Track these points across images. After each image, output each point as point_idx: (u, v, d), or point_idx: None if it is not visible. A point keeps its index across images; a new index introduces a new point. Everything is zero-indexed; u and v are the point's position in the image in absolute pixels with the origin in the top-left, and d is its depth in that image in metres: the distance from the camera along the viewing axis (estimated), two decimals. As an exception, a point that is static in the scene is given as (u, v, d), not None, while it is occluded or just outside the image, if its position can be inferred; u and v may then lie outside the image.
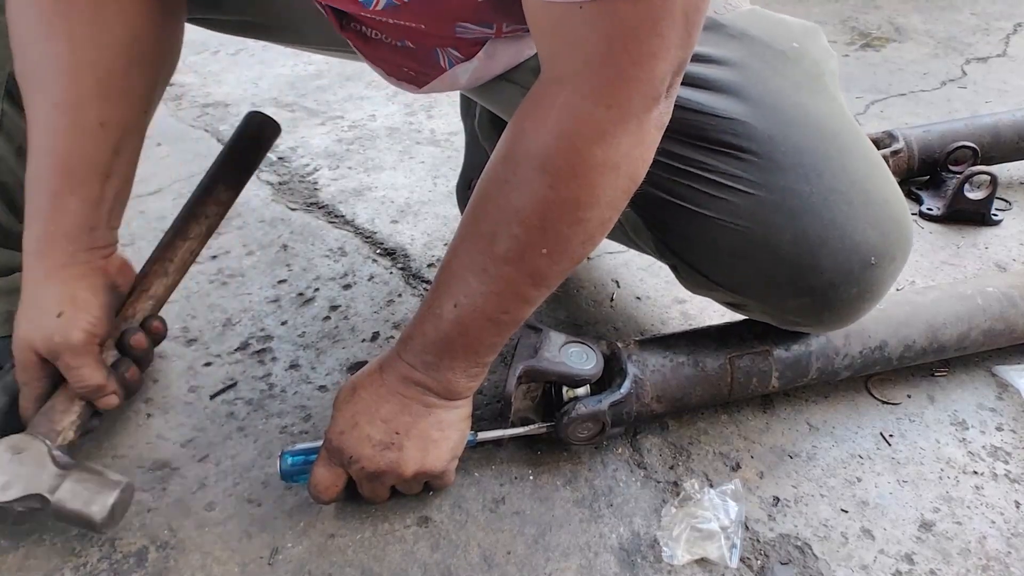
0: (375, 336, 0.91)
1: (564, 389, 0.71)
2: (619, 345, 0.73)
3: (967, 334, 0.78)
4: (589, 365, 0.69)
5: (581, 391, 0.71)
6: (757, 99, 0.61)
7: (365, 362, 0.86)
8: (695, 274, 0.68)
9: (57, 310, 0.63)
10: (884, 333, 0.76)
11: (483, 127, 1.02)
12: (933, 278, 0.99)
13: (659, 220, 0.67)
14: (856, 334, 0.75)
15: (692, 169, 0.62)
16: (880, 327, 0.76)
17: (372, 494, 0.66)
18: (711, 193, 0.61)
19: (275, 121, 0.88)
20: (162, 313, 0.78)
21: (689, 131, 0.61)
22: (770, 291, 0.63)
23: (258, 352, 0.89)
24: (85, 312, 0.65)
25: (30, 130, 0.62)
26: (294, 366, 0.86)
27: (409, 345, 0.63)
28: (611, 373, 0.72)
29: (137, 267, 0.99)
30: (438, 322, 0.60)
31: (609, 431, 0.70)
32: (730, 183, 0.60)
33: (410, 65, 0.70)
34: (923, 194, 1.15)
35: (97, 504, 0.60)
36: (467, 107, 1.10)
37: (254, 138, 0.86)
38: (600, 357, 0.70)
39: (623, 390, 0.69)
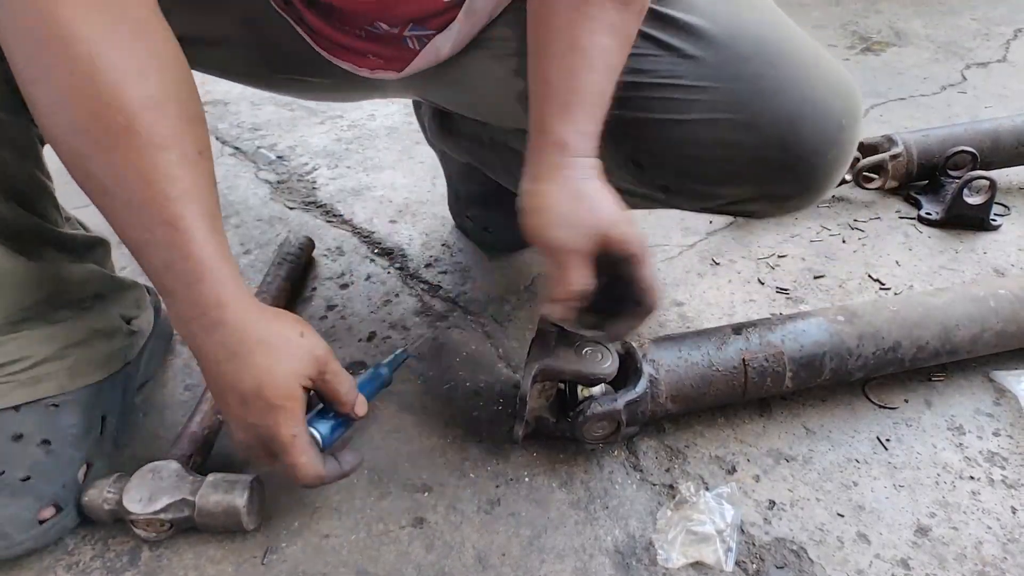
0: (371, 336, 0.91)
1: (579, 388, 0.71)
2: (634, 345, 0.73)
3: (979, 336, 0.78)
4: (605, 364, 0.69)
5: (596, 390, 0.70)
6: (710, 11, 0.67)
7: (362, 363, 0.86)
8: (689, 184, 0.71)
9: (298, 332, 0.59)
10: (897, 334, 0.76)
11: (432, 129, 1.02)
12: (931, 282, 0.99)
13: (641, 146, 0.70)
14: (870, 336, 0.75)
15: (664, 80, 0.66)
16: (894, 328, 0.76)
17: None
18: (687, 98, 0.66)
19: (310, 240, 1.05)
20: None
21: (656, 47, 0.67)
22: (761, 171, 0.68)
23: (254, 351, 0.88)
24: (307, 326, 0.61)
25: (125, 170, 0.54)
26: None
27: (587, 141, 0.61)
28: (626, 372, 0.72)
29: (135, 267, 0.98)
30: (604, 100, 0.62)
31: (624, 430, 0.70)
32: (702, 83, 0.65)
33: (380, 52, 0.71)
34: (922, 198, 1.15)
35: (237, 492, 0.64)
36: (417, 110, 1.10)
37: (296, 256, 1.01)
38: (615, 357, 0.70)
39: (638, 389, 0.69)
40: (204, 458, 0.72)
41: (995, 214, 1.10)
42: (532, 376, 0.67)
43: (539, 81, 0.63)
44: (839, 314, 0.77)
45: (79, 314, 0.72)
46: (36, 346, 0.68)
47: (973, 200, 1.08)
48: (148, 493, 0.64)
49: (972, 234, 1.08)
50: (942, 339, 0.77)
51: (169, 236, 0.53)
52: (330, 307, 0.96)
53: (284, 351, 0.57)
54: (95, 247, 0.77)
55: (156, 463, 0.67)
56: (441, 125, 1.00)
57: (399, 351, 0.78)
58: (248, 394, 0.56)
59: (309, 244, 1.04)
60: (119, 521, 0.65)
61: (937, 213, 1.11)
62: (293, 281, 0.97)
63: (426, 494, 0.70)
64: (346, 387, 0.63)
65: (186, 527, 0.65)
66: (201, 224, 0.54)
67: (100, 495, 0.65)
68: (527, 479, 0.72)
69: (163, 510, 0.64)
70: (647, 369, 0.71)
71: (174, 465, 0.67)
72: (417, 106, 1.10)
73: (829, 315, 0.77)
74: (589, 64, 0.61)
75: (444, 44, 0.71)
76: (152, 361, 0.84)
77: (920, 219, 1.12)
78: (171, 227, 0.53)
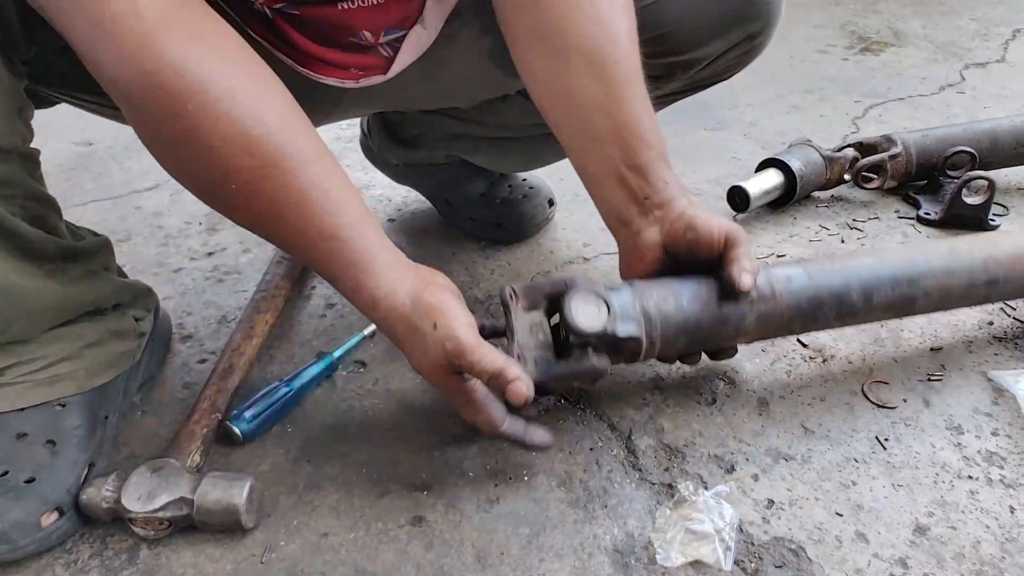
0: (372, 335, 0.91)
1: (571, 337, 0.68)
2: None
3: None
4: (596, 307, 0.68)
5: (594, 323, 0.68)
6: None
7: (362, 362, 0.86)
8: (672, 57, 0.83)
9: (431, 324, 0.62)
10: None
11: (387, 146, 1.07)
12: (930, 282, 0.99)
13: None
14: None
15: None
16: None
17: None
18: None
19: None
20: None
21: None
22: (730, 21, 0.83)
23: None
24: (449, 312, 0.63)
25: (285, 194, 0.58)
26: (289, 363, 0.86)
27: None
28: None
29: (134, 264, 0.99)
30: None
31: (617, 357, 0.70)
32: None
33: (361, 62, 0.73)
34: (921, 198, 1.15)
35: (236, 490, 0.65)
36: (365, 141, 1.16)
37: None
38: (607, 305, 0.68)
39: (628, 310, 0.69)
40: (203, 457, 0.71)
41: (994, 214, 1.10)
42: (510, 292, 0.70)
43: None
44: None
45: (97, 317, 0.73)
46: (54, 345, 0.68)
47: (972, 200, 1.08)
48: (147, 491, 0.64)
49: (971, 234, 1.08)
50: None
51: (330, 247, 0.61)
52: (329, 305, 0.96)
53: (420, 347, 0.64)
54: (102, 249, 0.77)
55: (155, 461, 0.67)
56: (394, 138, 1.04)
57: (352, 338, 0.88)
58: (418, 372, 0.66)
59: None
60: (118, 520, 0.65)
61: (936, 213, 1.11)
62: (292, 279, 0.97)
63: (425, 492, 0.70)
64: (482, 368, 0.62)
65: (185, 525, 0.65)
66: (354, 230, 0.61)
67: (99, 494, 0.65)
68: (526, 478, 0.72)
69: (162, 508, 0.63)
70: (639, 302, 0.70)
71: (173, 463, 0.67)
72: (364, 139, 1.14)
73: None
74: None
75: (422, 34, 0.74)
76: (152, 361, 0.83)
77: (919, 219, 1.12)
78: (332, 240, 0.60)
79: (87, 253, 0.72)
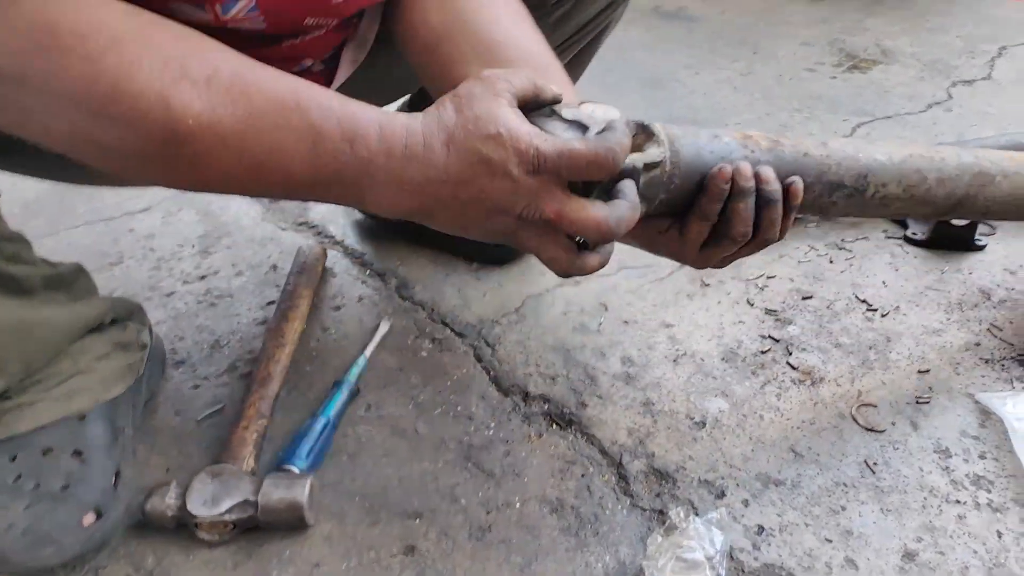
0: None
1: None
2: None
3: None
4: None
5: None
6: None
7: (357, 390, 0.87)
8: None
9: (490, 126, 0.50)
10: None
11: None
12: (918, 303, 1.00)
13: None
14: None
15: None
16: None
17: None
18: None
19: (324, 250, 1.08)
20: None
21: None
22: None
23: (246, 375, 0.88)
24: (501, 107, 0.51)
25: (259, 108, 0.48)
26: (283, 389, 0.86)
27: None
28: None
29: (126, 287, 0.99)
30: None
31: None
32: None
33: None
34: (908, 219, 1.16)
35: (298, 489, 0.67)
36: None
37: (313, 265, 1.04)
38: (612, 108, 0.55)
39: (657, 154, 0.55)
40: (256, 461, 0.74)
41: (980, 234, 1.11)
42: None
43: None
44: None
45: (100, 332, 0.74)
46: (65, 361, 0.69)
47: (958, 221, 1.09)
48: (211, 496, 0.67)
49: (958, 254, 1.09)
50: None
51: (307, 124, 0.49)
52: (323, 329, 0.97)
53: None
54: (79, 272, 0.77)
55: (212, 467, 0.70)
56: None
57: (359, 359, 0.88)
58: (496, 169, 0.49)
59: (323, 254, 1.06)
60: (182, 527, 0.68)
61: (923, 233, 1.12)
62: (313, 287, 1.00)
63: (417, 521, 0.71)
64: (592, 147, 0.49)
65: (249, 527, 0.68)
66: (323, 99, 0.50)
67: (162, 502, 0.67)
68: (518, 505, 0.72)
69: (228, 511, 0.66)
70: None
71: (231, 468, 0.70)
72: None
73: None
74: None
75: (356, 49, 0.75)
76: (153, 377, 0.84)
77: (906, 239, 1.13)
78: (308, 124, 0.49)
79: (70, 277, 0.73)
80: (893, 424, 0.81)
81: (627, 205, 0.51)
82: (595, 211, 0.50)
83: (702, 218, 0.58)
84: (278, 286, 1.04)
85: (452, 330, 0.96)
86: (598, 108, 0.53)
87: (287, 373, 0.86)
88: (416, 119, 0.51)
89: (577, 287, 1.03)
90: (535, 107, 0.53)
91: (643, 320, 0.97)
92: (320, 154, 0.49)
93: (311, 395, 0.86)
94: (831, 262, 1.09)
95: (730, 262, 0.64)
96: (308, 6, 0.63)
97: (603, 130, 0.50)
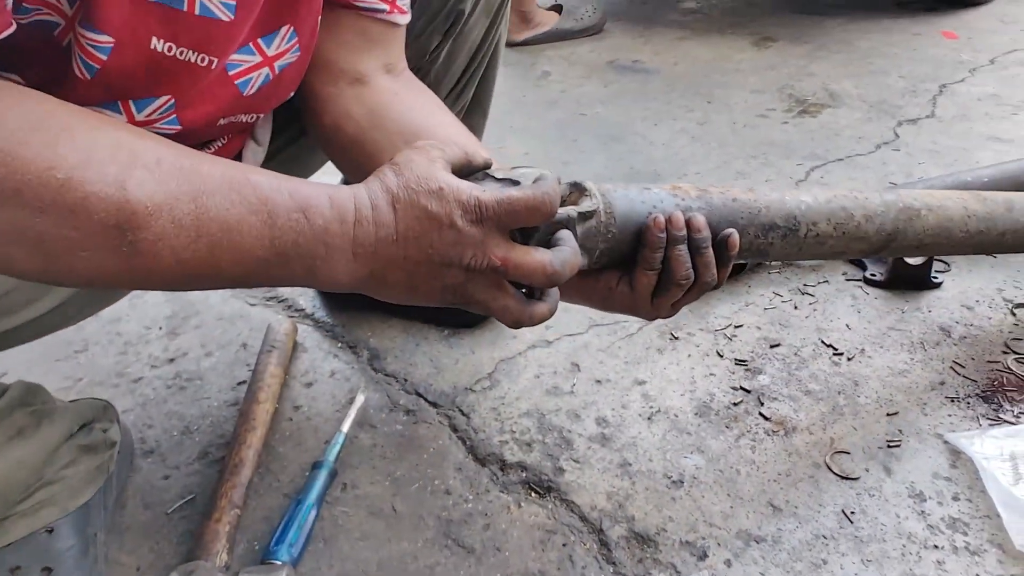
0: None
1: None
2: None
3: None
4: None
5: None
6: None
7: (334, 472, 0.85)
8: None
9: (432, 191, 0.52)
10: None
11: None
12: (882, 344, 1.02)
13: None
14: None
15: None
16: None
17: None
18: None
19: (294, 325, 1.08)
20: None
21: None
22: None
23: (218, 460, 0.87)
24: (438, 168, 0.54)
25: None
26: (256, 474, 0.85)
27: None
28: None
29: (92, 375, 0.98)
30: None
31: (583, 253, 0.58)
32: None
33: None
34: (867, 261, 1.20)
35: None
36: None
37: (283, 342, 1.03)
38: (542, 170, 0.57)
39: (591, 205, 0.58)
40: (230, 555, 0.73)
41: (936, 271, 1.15)
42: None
43: None
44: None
45: (67, 440, 0.72)
46: (30, 473, 0.67)
47: (913, 260, 1.12)
48: None
49: (916, 293, 1.12)
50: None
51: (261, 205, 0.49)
52: (295, 407, 0.96)
53: (433, 223, 0.51)
54: (27, 387, 0.72)
55: (185, 566, 0.69)
56: None
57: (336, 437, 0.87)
58: (442, 226, 0.50)
59: (293, 330, 1.06)
60: None
61: (881, 274, 1.15)
62: (284, 366, 0.99)
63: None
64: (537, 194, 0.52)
65: None
66: (270, 175, 0.51)
67: None
68: (500, 581, 0.71)
69: None
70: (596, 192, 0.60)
71: (204, 565, 0.69)
72: None
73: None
74: None
75: (257, 149, 0.77)
76: (122, 473, 0.82)
77: (866, 280, 1.16)
78: (262, 202, 0.49)
79: (26, 396, 0.71)
80: (867, 470, 0.82)
81: (569, 249, 0.54)
82: (539, 255, 0.52)
83: (647, 268, 0.61)
84: (249, 365, 1.03)
85: (426, 400, 0.96)
86: (528, 169, 0.56)
87: (260, 457, 0.85)
88: (360, 187, 0.53)
89: (548, 347, 1.04)
90: (468, 174, 0.56)
91: (616, 378, 0.98)
92: (276, 227, 0.49)
93: (285, 478, 0.84)
94: (796, 308, 1.11)
95: (679, 309, 0.66)
96: (222, 103, 0.64)
97: (536, 180, 0.53)
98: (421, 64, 0.85)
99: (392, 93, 0.73)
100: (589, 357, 1.02)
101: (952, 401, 0.91)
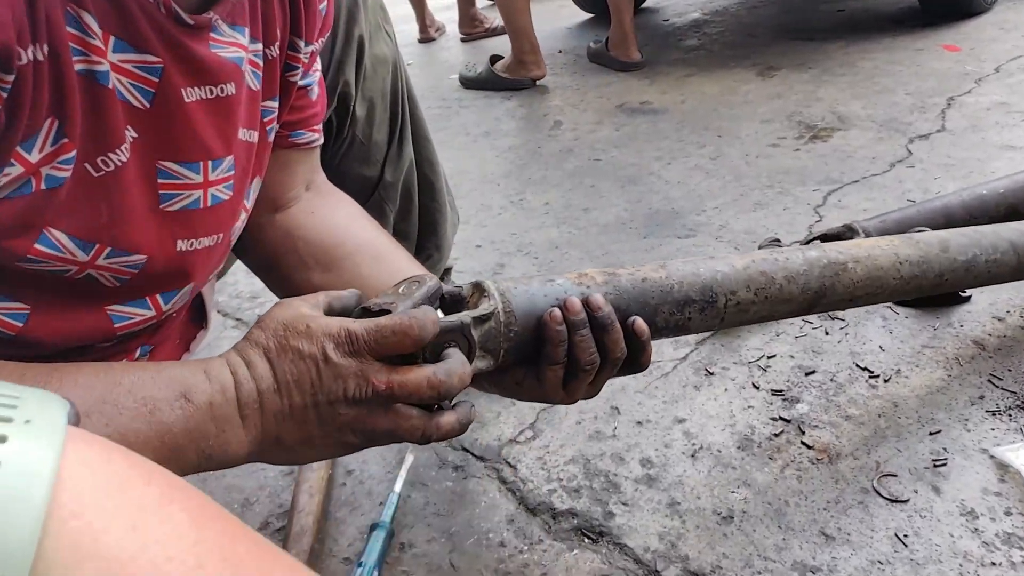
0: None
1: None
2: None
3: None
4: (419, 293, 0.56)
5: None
6: None
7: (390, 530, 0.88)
8: None
9: (299, 335, 0.53)
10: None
11: None
12: (917, 363, 1.03)
13: None
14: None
15: None
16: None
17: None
18: None
19: None
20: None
21: None
22: None
23: (280, 530, 0.90)
24: (306, 313, 0.55)
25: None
26: (316, 540, 0.88)
27: None
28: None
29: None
30: None
31: (477, 356, 0.58)
32: None
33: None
34: (892, 280, 1.21)
35: None
36: None
37: None
38: (430, 279, 0.58)
39: (488, 307, 0.57)
40: None
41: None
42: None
43: None
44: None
45: None
46: None
47: (939, 277, 1.14)
48: None
49: (946, 308, 1.13)
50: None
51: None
52: (348, 471, 0.99)
53: (309, 373, 0.51)
54: None
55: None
56: None
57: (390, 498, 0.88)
58: (326, 385, 0.50)
59: None
60: None
61: (909, 293, 1.17)
62: None
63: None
64: (394, 323, 0.51)
65: None
66: (136, 371, 0.50)
67: None
68: (563, 630, 0.73)
69: None
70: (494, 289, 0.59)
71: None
72: None
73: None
74: None
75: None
76: None
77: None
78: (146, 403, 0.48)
79: None
80: (916, 492, 0.83)
81: (456, 359, 0.53)
82: (421, 370, 0.51)
83: (551, 363, 0.59)
84: (299, 434, 1.07)
85: (473, 455, 0.98)
86: (411, 285, 0.56)
87: (319, 523, 0.88)
88: (231, 351, 0.53)
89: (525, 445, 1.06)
90: (341, 310, 0.56)
91: (656, 418, 1.00)
92: (162, 424, 0.47)
93: (344, 542, 0.87)
94: (827, 333, 1.13)
95: (598, 389, 0.64)
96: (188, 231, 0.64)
97: (414, 305, 0.53)
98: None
99: (307, 213, 0.75)
100: (627, 399, 1.04)
101: (994, 415, 0.92)
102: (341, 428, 0.52)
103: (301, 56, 0.66)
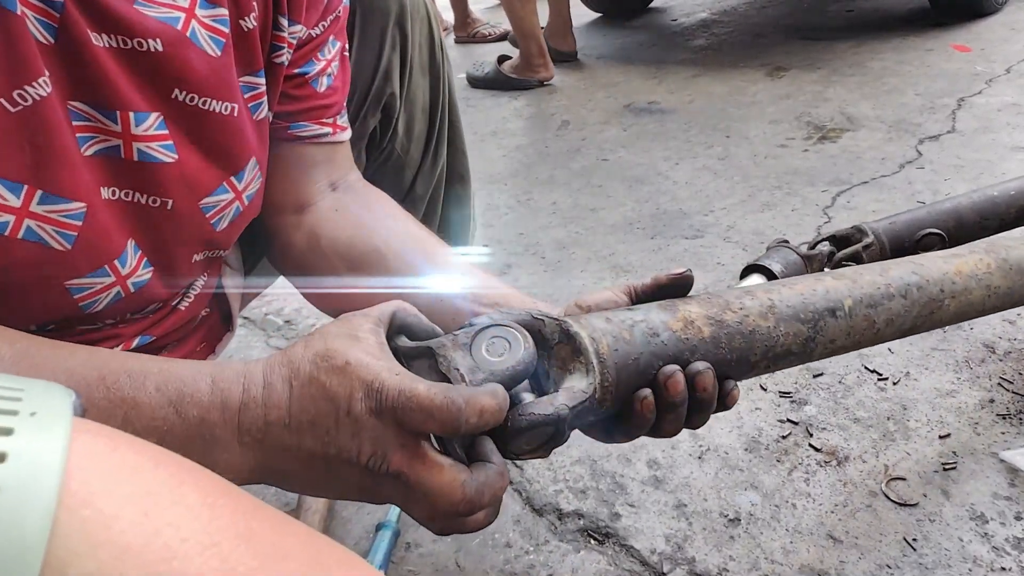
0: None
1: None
2: (566, 320, 0.50)
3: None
4: (509, 355, 0.46)
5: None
6: None
7: (419, 541, 0.88)
8: None
9: (334, 369, 0.46)
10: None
11: None
12: (926, 366, 1.02)
13: None
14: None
15: None
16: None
17: None
18: None
19: None
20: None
21: None
22: None
23: None
24: (352, 344, 0.48)
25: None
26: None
27: None
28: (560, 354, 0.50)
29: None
30: None
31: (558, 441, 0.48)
32: None
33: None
34: (901, 282, 1.20)
35: None
36: None
37: None
38: (526, 341, 0.47)
39: (586, 388, 0.47)
40: None
41: (973, 288, 1.15)
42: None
43: None
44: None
45: None
46: None
47: (949, 279, 1.13)
48: None
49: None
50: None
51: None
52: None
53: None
54: None
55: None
56: None
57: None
58: (359, 431, 0.43)
59: None
60: None
61: (918, 295, 1.16)
62: None
63: None
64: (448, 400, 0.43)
65: None
66: (135, 365, 0.46)
67: None
68: (568, 631, 0.72)
69: None
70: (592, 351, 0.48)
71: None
72: None
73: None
74: None
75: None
76: None
77: (903, 302, 1.16)
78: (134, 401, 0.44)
79: None
80: (925, 495, 0.82)
81: (493, 471, 0.44)
82: (450, 475, 0.43)
83: (626, 436, 0.53)
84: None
85: (479, 455, 0.98)
86: (510, 333, 0.47)
87: (325, 522, 0.88)
88: (259, 361, 0.47)
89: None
90: (411, 329, 0.49)
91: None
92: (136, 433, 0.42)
93: (350, 541, 0.87)
94: (835, 335, 1.12)
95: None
96: (195, 243, 0.63)
97: (485, 379, 0.44)
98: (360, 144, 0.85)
99: (332, 211, 0.72)
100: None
101: (1004, 418, 0.91)
102: (352, 487, 0.46)
103: (285, 36, 0.63)
